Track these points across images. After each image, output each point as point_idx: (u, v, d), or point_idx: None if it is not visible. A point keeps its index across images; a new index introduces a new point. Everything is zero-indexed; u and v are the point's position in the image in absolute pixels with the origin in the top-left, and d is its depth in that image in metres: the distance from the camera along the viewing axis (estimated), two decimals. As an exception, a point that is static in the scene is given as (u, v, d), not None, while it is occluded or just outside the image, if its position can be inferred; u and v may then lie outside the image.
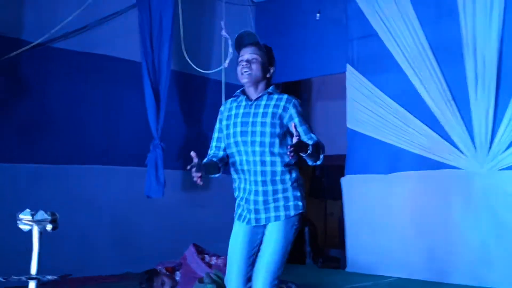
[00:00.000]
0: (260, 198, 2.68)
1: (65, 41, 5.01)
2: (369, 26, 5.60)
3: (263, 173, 2.67)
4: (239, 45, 2.75)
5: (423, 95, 5.22)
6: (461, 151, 4.99)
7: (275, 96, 2.71)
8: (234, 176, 2.75)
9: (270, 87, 2.75)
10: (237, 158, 2.71)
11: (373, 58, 5.64)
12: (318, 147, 2.61)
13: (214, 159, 2.74)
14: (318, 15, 5.39)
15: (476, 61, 4.89)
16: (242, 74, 2.69)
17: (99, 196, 5.14)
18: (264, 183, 2.68)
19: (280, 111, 2.66)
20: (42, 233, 2.05)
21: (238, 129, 2.69)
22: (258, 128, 2.66)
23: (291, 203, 2.68)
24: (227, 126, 2.74)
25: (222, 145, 2.79)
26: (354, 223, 5.71)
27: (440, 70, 5.14)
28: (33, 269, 2.00)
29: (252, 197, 2.70)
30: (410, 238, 5.22)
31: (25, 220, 2.05)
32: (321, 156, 2.65)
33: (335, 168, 6.74)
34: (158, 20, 5.11)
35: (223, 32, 5.39)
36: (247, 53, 2.73)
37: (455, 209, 4.98)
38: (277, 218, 2.68)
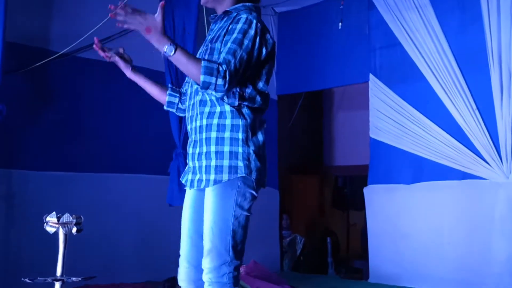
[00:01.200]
0: (197, 150, 2.11)
1: (90, 51, 5.08)
2: (392, 35, 5.59)
3: (200, 115, 2.10)
4: None
5: (447, 104, 5.19)
6: (486, 161, 4.93)
7: (233, 15, 2.14)
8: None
9: (235, 6, 2.17)
10: (188, 103, 2.21)
11: (396, 68, 5.62)
12: (192, 61, 1.91)
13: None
14: (340, 24, 5.39)
15: (501, 70, 4.84)
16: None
17: (123, 204, 5.19)
18: (200, 129, 2.10)
19: (223, 32, 2.09)
20: (67, 236, 2.08)
21: None
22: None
23: (225, 162, 2.03)
24: None
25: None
26: (377, 234, 5.67)
27: (464, 80, 5.11)
28: (59, 271, 2.04)
29: (191, 150, 2.16)
30: (434, 249, 5.16)
31: (51, 223, 2.08)
32: (202, 78, 1.90)
33: (358, 179, 6.72)
34: (181, 29, 5.15)
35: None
36: None
37: (480, 220, 4.91)
38: (207, 183, 2.06)
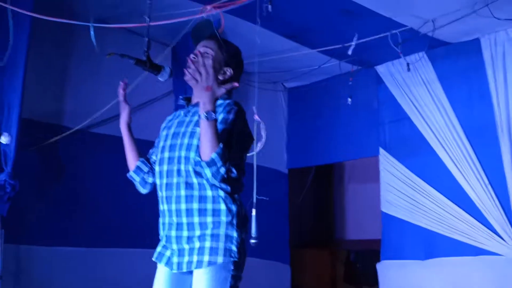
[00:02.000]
0: (185, 234, 2.09)
1: (103, 126, 5.16)
2: (400, 109, 5.65)
3: (189, 198, 2.08)
4: (195, 40, 2.30)
5: (459, 178, 5.16)
6: (500, 237, 4.85)
7: (230, 107, 2.16)
8: (160, 208, 2.21)
9: (223, 97, 2.16)
10: (161, 182, 2.18)
11: (405, 141, 5.64)
12: (216, 137, 1.97)
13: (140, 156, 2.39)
14: (349, 99, 5.48)
15: (511, 143, 4.85)
16: (185, 71, 2.16)
17: (129, 278, 5.10)
18: (188, 212, 2.08)
19: None
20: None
21: (168, 142, 2.20)
22: (186, 140, 2.13)
23: (220, 245, 2.03)
24: (159, 141, 2.29)
25: (153, 157, 2.38)
26: (391, 311, 5.52)
27: (474, 153, 5.10)
28: None
29: (174, 233, 2.12)
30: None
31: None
32: (214, 156, 1.96)
33: (370, 253, 6.61)
34: (193, 105, 5.24)
35: (256, 117, 5.48)
36: (200, 46, 2.25)
37: (496, 297, 4.79)
38: (199, 264, 2.04)
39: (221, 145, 1.98)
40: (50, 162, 4.87)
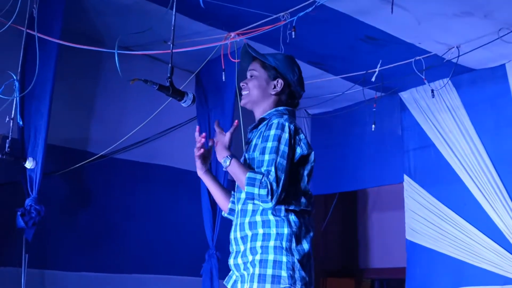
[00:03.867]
0: (242, 260, 2.12)
1: (127, 152, 5.21)
2: (425, 136, 5.60)
3: (248, 225, 2.12)
4: (246, 68, 2.35)
5: (485, 207, 5.06)
6: (529, 266, 4.75)
7: (266, 122, 2.21)
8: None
9: (268, 111, 2.25)
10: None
11: (431, 169, 5.57)
12: (240, 172, 2.05)
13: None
14: (373, 126, 5.45)
15: (540, 172, 4.77)
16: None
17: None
18: (243, 240, 2.12)
19: (258, 140, 2.17)
20: None
21: None
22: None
23: (268, 271, 1.99)
24: None
25: None
26: None
27: (501, 181, 5.02)
28: None
29: (239, 261, 2.14)
30: None
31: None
32: (246, 189, 2.02)
33: (395, 282, 6.50)
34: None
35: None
36: (247, 72, 2.32)
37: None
38: None
39: (248, 173, 2.03)
40: (75, 187, 4.93)
